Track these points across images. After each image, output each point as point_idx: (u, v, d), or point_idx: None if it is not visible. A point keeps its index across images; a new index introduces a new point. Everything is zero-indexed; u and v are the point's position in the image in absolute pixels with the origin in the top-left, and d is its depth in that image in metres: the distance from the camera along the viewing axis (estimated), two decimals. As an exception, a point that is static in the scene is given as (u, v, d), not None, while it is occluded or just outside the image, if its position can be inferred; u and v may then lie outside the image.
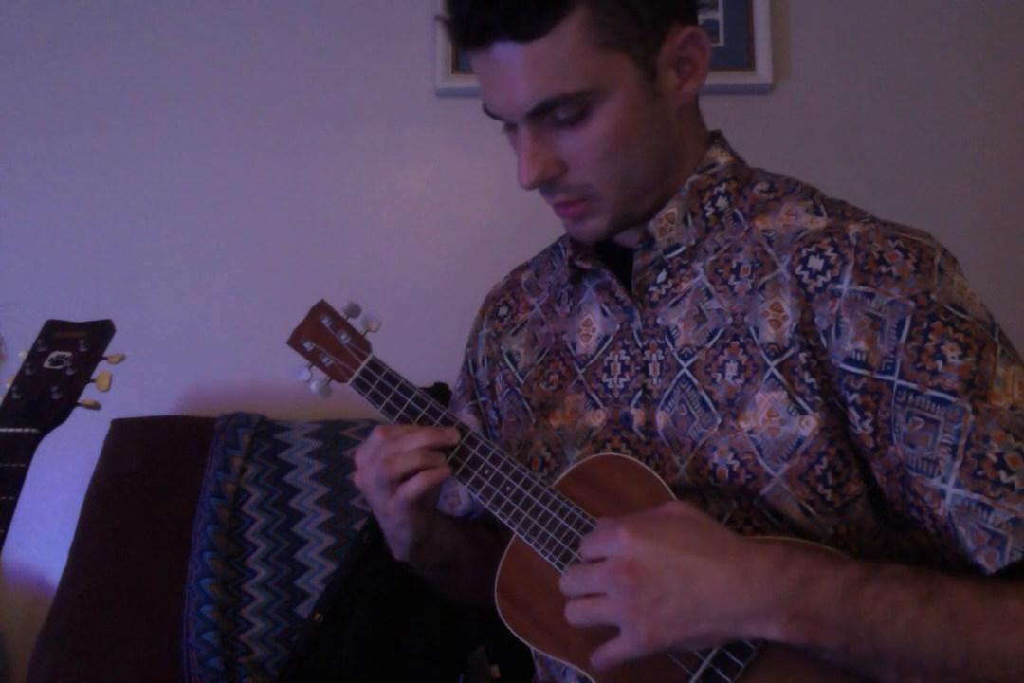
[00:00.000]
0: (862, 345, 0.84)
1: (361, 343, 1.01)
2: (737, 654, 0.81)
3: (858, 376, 0.84)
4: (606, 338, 1.00)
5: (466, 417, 1.15)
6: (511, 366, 1.09)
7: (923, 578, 0.76)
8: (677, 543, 0.78)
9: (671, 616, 0.76)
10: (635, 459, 0.90)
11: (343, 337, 1.01)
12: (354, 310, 1.01)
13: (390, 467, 0.92)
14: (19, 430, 0.98)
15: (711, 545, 0.78)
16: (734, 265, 0.93)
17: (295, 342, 1.03)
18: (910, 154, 1.82)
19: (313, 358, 1.02)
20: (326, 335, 1.01)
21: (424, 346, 1.65)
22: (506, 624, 0.92)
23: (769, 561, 0.76)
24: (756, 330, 0.90)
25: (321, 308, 1.03)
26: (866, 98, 1.83)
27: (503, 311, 1.14)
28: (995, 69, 1.83)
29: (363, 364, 1.00)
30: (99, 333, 1.07)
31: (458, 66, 1.80)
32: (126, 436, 1.65)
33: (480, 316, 1.18)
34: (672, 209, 0.95)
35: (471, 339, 1.19)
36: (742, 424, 0.88)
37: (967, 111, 1.83)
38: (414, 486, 0.92)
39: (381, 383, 0.99)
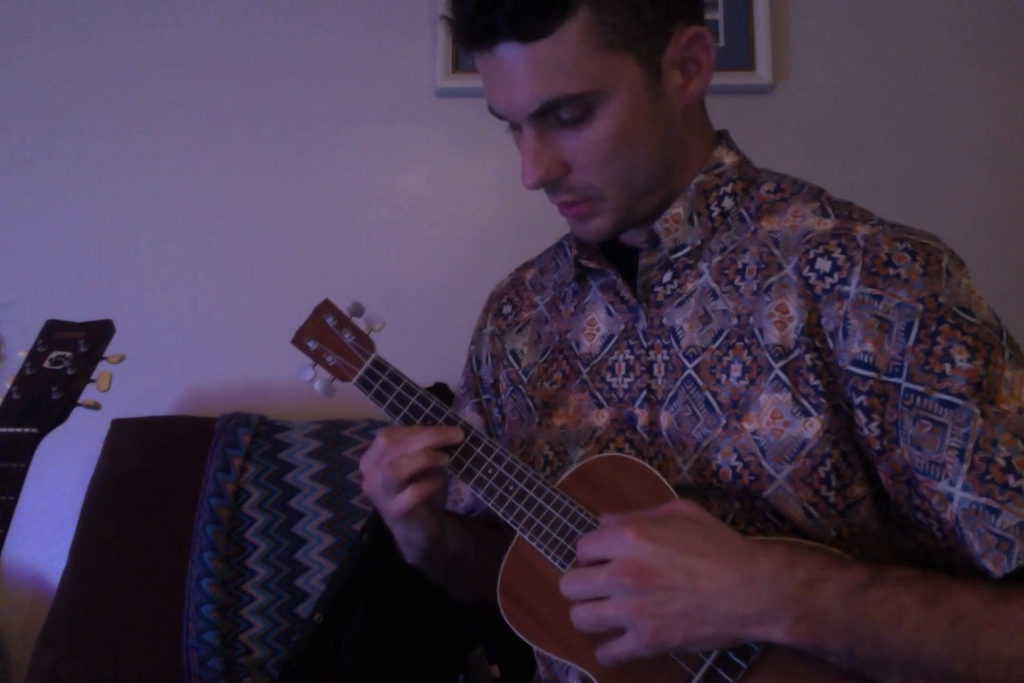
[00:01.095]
0: (869, 347, 0.84)
1: (365, 342, 1.00)
2: (739, 654, 0.81)
3: (865, 378, 0.84)
4: (611, 337, 1.00)
5: (469, 415, 1.15)
6: (514, 364, 1.09)
7: (928, 581, 0.76)
8: (682, 544, 0.78)
9: (676, 617, 0.76)
10: (638, 459, 0.90)
11: (347, 336, 1.00)
12: (358, 309, 1.01)
13: (396, 471, 0.92)
14: (19, 430, 0.98)
15: (716, 546, 0.78)
16: (740, 266, 0.93)
17: (299, 341, 1.03)
18: (910, 154, 1.82)
19: (317, 357, 1.01)
20: (330, 334, 1.01)
21: (424, 346, 1.65)
22: (508, 623, 0.92)
23: (774, 563, 0.76)
24: (761, 331, 0.90)
25: (325, 307, 1.02)
26: (866, 98, 1.83)
27: (507, 309, 1.14)
28: (995, 69, 1.83)
29: (367, 363, 0.99)
30: (99, 333, 1.07)
31: (458, 66, 1.79)
32: (126, 436, 1.65)
33: (484, 313, 1.18)
34: (678, 209, 0.95)
35: (475, 336, 1.19)
36: (746, 425, 0.88)
37: (967, 111, 1.83)
38: (428, 485, 0.93)
39: (385, 382, 0.98)
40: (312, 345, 1.02)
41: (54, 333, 1.07)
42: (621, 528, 0.79)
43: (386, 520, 1.01)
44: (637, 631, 0.77)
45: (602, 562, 0.80)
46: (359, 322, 1.01)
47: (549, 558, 0.90)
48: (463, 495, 1.15)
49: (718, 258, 0.95)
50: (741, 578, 0.76)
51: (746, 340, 0.90)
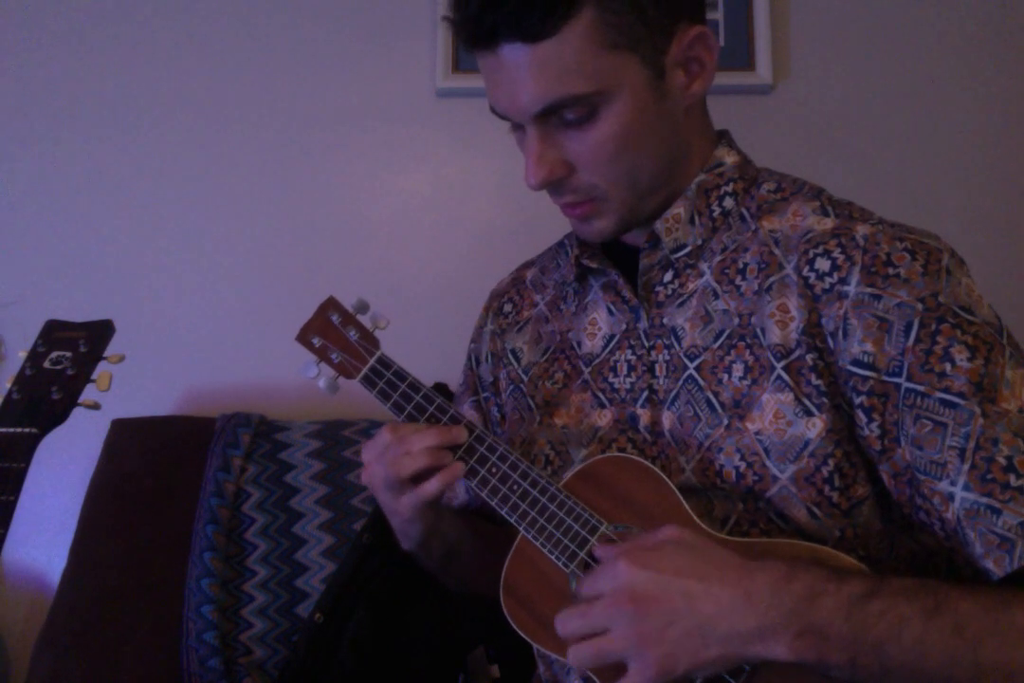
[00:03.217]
0: (869, 347, 0.84)
1: (370, 340, 1.00)
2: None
3: (865, 378, 0.84)
4: (612, 337, 1.00)
5: (467, 413, 1.15)
6: (514, 363, 1.09)
7: (928, 591, 0.75)
8: (677, 569, 0.77)
9: (680, 642, 0.75)
10: (642, 460, 0.90)
11: (352, 334, 1.00)
12: (362, 307, 1.01)
13: (397, 468, 0.92)
14: (19, 430, 0.98)
15: (710, 567, 0.77)
16: (740, 265, 0.93)
17: (304, 338, 1.02)
18: (910, 154, 1.82)
19: (321, 354, 1.01)
20: (335, 331, 1.01)
21: (424, 346, 1.64)
22: (511, 622, 0.92)
23: (771, 579, 0.75)
24: (763, 331, 0.89)
25: (330, 304, 1.02)
26: (866, 98, 1.83)
27: (508, 308, 1.14)
28: (995, 68, 1.83)
29: (372, 361, 0.99)
30: (99, 333, 1.07)
31: (458, 66, 1.79)
32: (126, 436, 1.64)
33: (485, 312, 1.18)
34: (679, 209, 0.95)
35: (475, 334, 1.19)
36: (748, 425, 0.88)
37: (967, 110, 1.83)
38: (432, 487, 0.93)
39: (389, 380, 0.98)
40: (317, 342, 1.01)
41: (54, 333, 1.06)
42: (613, 561, 0.79)
43: (384, 511, 1.01)
44: (643, 660, 0.76)
45: (597, 598, 0.79)
46: (364, 319, 1.01)
47: (553, 558, 0.90)
48: (458, 492, 1.15)
49: (719, 258, 0.95)
50: (739, 596, 0.75)
51: (748, 340, 0.90)
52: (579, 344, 1.03)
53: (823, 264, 0.87)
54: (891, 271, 0.85)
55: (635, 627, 0.76)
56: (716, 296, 0.93)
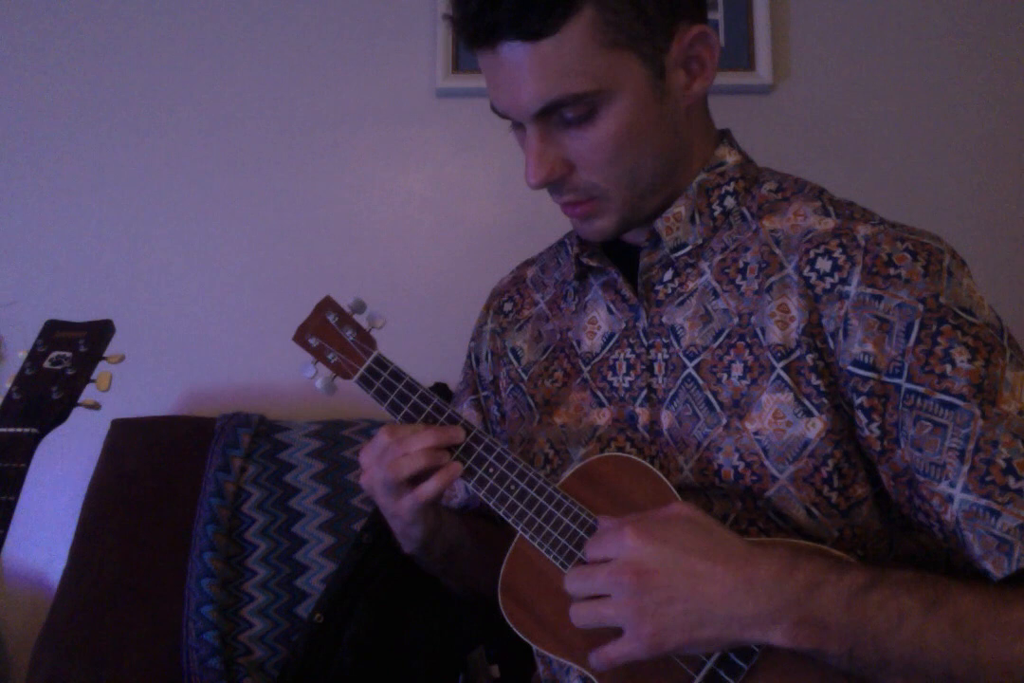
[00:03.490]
0: (870, 348, 0.84)
1: (366, 340, 1.00)
2: (740, 656, 0.81)
3: (865, 379, 0.84)
4: (612, 336, 1.00)
5: (467, 411, 1.15)
6: (515, 362, 1.09)
7: (929, 584, 0.76)
8: (683, 546, 0.78)
9: (676, 619, 0.76)
10: (640, 459, 0.90)
11: (348, 333, 1.00)
12: (359, 306, 1.01)
13: (396, 470, 0.92)
14: (19, 430, 0.98)
15: (717, 549, 0.78)
16: (741, 265, 0.93)
17: (300, 338, 1.02)
18: (911, 154, 1.82)
19: (318, 354, 1.01)
20: (331, 331, 1.01)
21: (424, 347, 1.65)
22: (509, 623, 0.92)
23: (775, 566, 0.76)
24: (763, 331, 0.89)
25: (326, 304, 1.02)
26: (867, 98, 1.83)
27: (508, 306, 1.14)
28: (995, 68, 1.83)
29: (368, 361, 0.99)
30: (99, 333, 1.07)
31: (458, 66, 1.79)
32: (126, 436, 1.64)
33: (485, 310, 1.18)
34: (679, 208, 0.95)
35: (475, 333, 1.19)
36: (748, 425, 0.88)
37: (968, 110, 1.83)
38: (430, 488, 0.93)
39: (386, 380, 0.98)
40: (313, 342, 1.01)
41: (54, 333, 1.06)
42: (621, 529, 0.79)
43: (384, 514, 1.01)
44: (636, 632, 0.77)
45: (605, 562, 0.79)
46: (360, 319, 1.01)
47: (550, 558, 0.90)
48: (456, 491, 1.15)
49: (719, 257, 0.95)
50: (741, 581, 0.75)
51: (748, 339, 0.90)
52: (579, 343, 1.03)
53: (824, 264, 0.87)
54: (892, 272, 0.85)
55: (634, 600, 0.77)
56: (716, 295, 0.93)
